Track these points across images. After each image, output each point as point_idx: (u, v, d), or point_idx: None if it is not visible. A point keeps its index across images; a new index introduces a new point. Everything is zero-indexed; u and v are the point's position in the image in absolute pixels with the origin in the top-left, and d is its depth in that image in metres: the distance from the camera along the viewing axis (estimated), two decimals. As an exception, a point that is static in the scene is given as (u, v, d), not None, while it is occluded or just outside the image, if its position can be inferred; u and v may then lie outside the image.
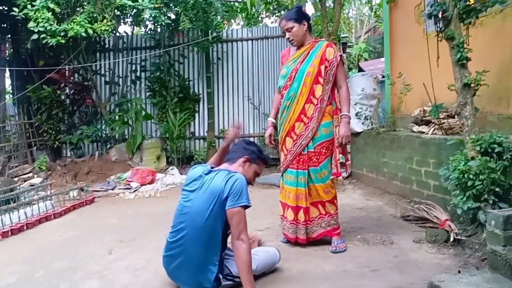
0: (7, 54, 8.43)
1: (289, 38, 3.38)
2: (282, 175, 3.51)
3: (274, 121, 3.61)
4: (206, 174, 2.57)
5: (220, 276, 2.50)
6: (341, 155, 3.40)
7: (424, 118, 4.83)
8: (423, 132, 4.69)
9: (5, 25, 8.04)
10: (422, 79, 4.47)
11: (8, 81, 8.98)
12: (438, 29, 3.62)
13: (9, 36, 8.24)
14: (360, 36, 18.07)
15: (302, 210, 3.35)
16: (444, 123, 4.43)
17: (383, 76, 7.12)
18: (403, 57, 5.95)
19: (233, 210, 2.39)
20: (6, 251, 3.71)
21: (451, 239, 3.26)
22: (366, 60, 13.25)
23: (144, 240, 3.80)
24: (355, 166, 6.23)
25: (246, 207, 2.44)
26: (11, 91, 9.09)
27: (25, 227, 4.36)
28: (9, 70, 8.42)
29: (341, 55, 3.40)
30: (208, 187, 2.48)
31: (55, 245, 3.80)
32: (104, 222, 4.55)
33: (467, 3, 3.46)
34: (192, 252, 2.45)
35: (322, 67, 3.30)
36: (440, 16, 3.56)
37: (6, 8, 6.03)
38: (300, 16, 3.39)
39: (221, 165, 2.71)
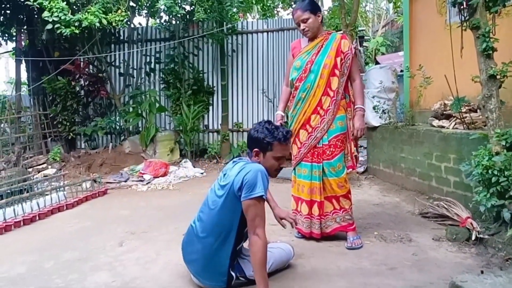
0: (23, 45, 8.46)
1: (304, 29, 3.28)
2: (294, 169, 3.42)
3: (283, 114, 3.52)
4: (232, 166, 2.48)
5: (233, 273, 2.42)
6: (355, 148, 3.40)
7: (444, 112, 4.66)
8: (443, 127, 4.53)
9: (21, 16, 8.07)
10: (442, 72, 4.31)
11: (24, 73, 9.03)
12: (463, 18, 3.46)
13: (25, 27, 8.25)
14: (377, 30, 17.77)
15: (317, 204, 3.29)
16: (466, 117, 4.27)
17: (401, 70, 6.93)
18: (423, 50, 5.76)
19: (247, 202, 2.27)
20: (18, 240, 3.69)
21: (473, 237, 3.13)
22: (383, 54, 13.01)
23: (155, 233, 3.75)
24: (371, 161, 6.09)
25: (261, 198, 2.28)
26: (26, 83, 9.12)
27: (37, 217, 4.36)
28: (25, 61, 8.45)
29: (355, 47, 3.34)
30: (226, 180, 2.40)
31: (67, 236, 3.78)
32: (116, 214, 4.51)
33: (494, -10, 3.29)
34: (206, 242, 2.39)
35: (338, 59, 3.25)
36: (465, 4, 3.40)
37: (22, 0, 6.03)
38: (315, 7, 3.33)
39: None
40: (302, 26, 3.28)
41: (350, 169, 3.40)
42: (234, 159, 2.58)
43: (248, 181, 2.27)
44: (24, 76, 9.44)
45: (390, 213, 4.17)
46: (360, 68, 5.90)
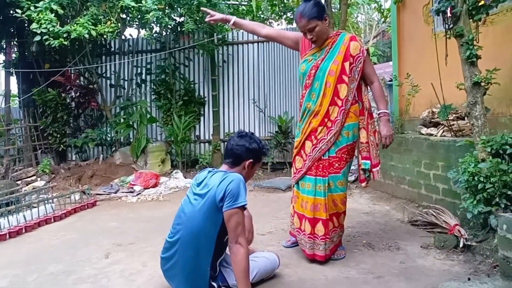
0: (13, 58, 8.43)
1: (312, 38, 2.98)
2: (297, 183, 3.12)
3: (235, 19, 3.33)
4: (210, 176, 2.46)
5: (214, 284, 2.38)
6: (363, 161, 3.09)
7: (432, 120, 4.69)
8: (431, 135, 4.55)
9: (11, 28, 8.06)
10: (430, 80, 4.34)
11: (15, 85, 8.99)
12: (447, 26, 3.49)
13: (16, 39, 8.24)
14: (368, 41, 17.93)
15: (322, 223, 2.97)
16: (453, 124, 4.29)
17: (391, 79, 6.98)
18: (411, 58, 5.81)
19: (230, 212, 2.25)
20: (2, 254, 3.62)
21: (461, 245, 3.12)
22: (375, 64, 13.09)
23: (142, 244, 3.70)
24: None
25: (243, 208, 2.30)
26: (17, 95, 9.08)
27: (23, 230, 4.29)
28: (15, 73, 8.42)
29: (367, 49, 3.06)
30: (204, 189, 2.37)
31: (52, 249, 3.72)
32: (104, 226, 4.46)
33: (477, -1, 3.32)
34: (185, 255, 2.34)
35: (347, 64, 2.95)
36: (448, 12, 3.43)
37: (12, 12, 6.02)
38: (321, 11, 2.94)
39: (221, 167, 2.58)
40: (309, 35, 2.97)
41: (362, 183, 3.18)
42: (209, 169, 2.56)
43: (231, 191, 2.26)
44: (14, 88, 9.40)
45: (380, 222, 4.15)
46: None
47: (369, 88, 3.15)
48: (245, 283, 2.25)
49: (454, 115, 4.37)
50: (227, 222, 2.27)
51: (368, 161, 3.09)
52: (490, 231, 3.09)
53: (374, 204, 4.96)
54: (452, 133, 4.30)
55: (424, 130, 4.73)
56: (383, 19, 11.85)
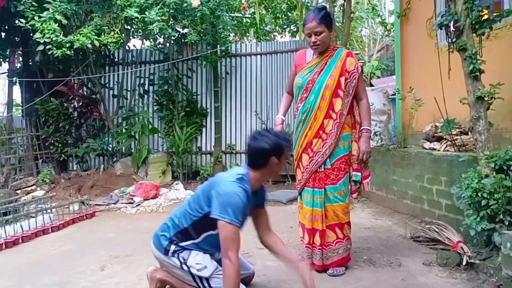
0: (17, 67, 8.47)
1: (316, 42, 3.00)
2: (300, 194, 3.21)
3: (283, 118, 3.31)
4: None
5: (171, 248, 2.46)
6: (354, 173, 3.14)
7: (435, 134, 4.64)
8: (434, 149, 4.49)
9: (16, 38, 8.11)
10: (433, 94, 4.30)
11: (18, 94, 9.02)
12: (450, 40, 3.47)
13: (20, 49, 8.28)
14: (372, 55, 17.96)
15: (318, 233, 3.05)
16: (456, 139, 4.24)
17: (394, 93, 6.96)
18: (414, 72, 5.79)
19: (218, 222, 2.28)
20: (-3, 264, 3.58)
21: (464, 262, 3.04)
22: (378, 77, 13.11)
23: (139, 256, 3.64)
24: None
25: (230, 224, 2.25)
26: (20, 104, 9.10)
27: (20, 240, 4.25)
28: (19, 82, 8.45)
29: (362, 66, 3.18)
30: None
31: (48, 259, 3.67)
32: (102, 237, 4.41)
33: (480, 13, 3.30)
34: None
35: (342, 79, 3.02)
36: (451, 26, 3.41)
37: (17, 22, 6.06)
38: (331, 22, 3.07)
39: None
40: (314, 38, 2.99)
41: (353, 194, 3.25)
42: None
43: (218, 199, 2.30)
44: (18, 97, 9.43)
45: (381, 237, 4.08)
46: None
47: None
48: None
49: (457, 130, 4.32)
50: (219, 232, 2.29)
51: (359, 173, 3.15)
52: (494, 249, 3.01)
53: (376, 219, 4.89)
54: (455, 148, 4.24)
55: (427, 145, 4.68)
56: (387, 33, 11.86)
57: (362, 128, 3.12)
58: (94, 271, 3.31)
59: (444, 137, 4.43)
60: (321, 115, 3.03)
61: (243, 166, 2.49)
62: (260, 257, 3.49)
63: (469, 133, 4.19)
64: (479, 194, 2.96)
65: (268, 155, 2.40)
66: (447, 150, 4.33)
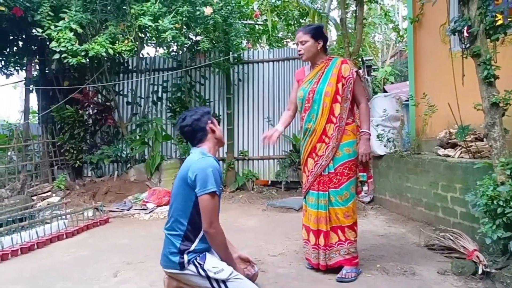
0: (33, 75, 8.63)
1: (300, 51, 3.30)
2: (304, 197, 3.37)
3: (280, 130, 3.39)
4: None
5: (185, 258, 2.42)
6: (361, 173, 3.31)
7: (450, 141, 4.59)
8: (449, 156, 4.44)
9: (34, 47, 8.27)
10: (448, 100, 4.25)
11: (35, 102, 9.19)
12: (463, 45, 3.43)
13: (37, 57, 8.44)
14: (385, 60, 17.84)
15: (323, 234, 3.19)
16: (471, 146, 4.18)
17: (407, 99, 6.89)
18: (427, 78, 5.73)
19: (202, 197, 2.34)
20: (13, 269, 3.63)
21: (480, 271, 2.99)
22: (392, 83, 13.03)
23: (152, 263, 3.65)
24: (378, 191, 5.97)
25: (214, 193, 2.35)
26: (37, 112, 9.26)
27: (35, 246, 4.31)
28: (35, 90, 8.62)
29: (357, 71, 3.28)
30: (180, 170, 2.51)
31: (62, 265, 3.71)
32: (115, 243, 4.44)
33: (494, 18, 3.26)
34: (168, 228, 2.51)
35: (340, 85, 3.20)
36: (465, 32, 3.38)
37: (34, 31, 6.20)
38: (318, 33, 3.30)
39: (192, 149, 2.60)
40: (299, 47, 3.29)
41: (359, 195, 3.42)
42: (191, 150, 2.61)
43: (200, 177, 2.34)
44: (35, 105, 9.59)
45: (395, 245, 4.03)
46: (367, 94, 5.87)
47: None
48: (227, 256, 2.45)
49: (472, 136, 4.26)
50: (201, 206, 2.36)
51: (365, 174, 3.32)
52: (510, 258, 2.96)
53: (389, 226, 4.83)
54: (470, 154, 4.19)
55: (441, 151, 4.63)
56: (400, 39, 11.79)
57: (361, 131, 3.26)
58: (107, 277, 3.34)
59: (459, 143, 4.38)
60: (323, 121, 3.21)
61: (192, 149, 2.57)
62: (272, 265, 3.48)
63: (484, 139, 4.14)
64: (495, 201, 2.91)
65: (204, 122, 2.54)
66: (462, 157, 4.28)
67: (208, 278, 2.37)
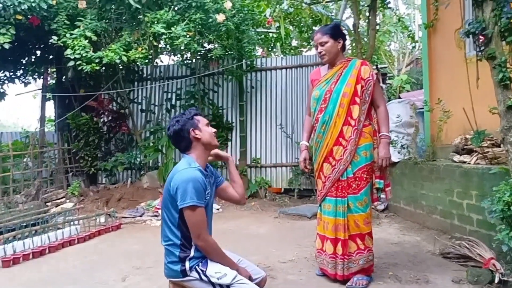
0: (49, 83, 8.77)
1: (320, 52, 3.17)
2: (320, 205, 3.21)
3: (307, 144, 3.40)
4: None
5: (187, 265, 2.34)
6: (377, 180, 3.19)
7: (465, 147, 4.48)
8: (464, 162, 4.33)
9: (51, 56, 8.42)
10: (463, 106, 4.16)
11: (51, 109, 9.35)
12: (478, 48, 3.36)
13: (54, 66, 8.59)
14: (401, 69, 17.68)
15: (341, 243, 3.05)
16: (488, 152, 4.08)
17: (423, 107, 6.79)
18: (442, 83, 5.64)
19: (184, 210, 2.25)
20: (23, 273, 3.65)
21: (496, 280, 2.89)
22: (408, 92, 12.90)
23: (160, 268, 3.55)
24: (392, 199, 5.84)
25: (193, 207, 2.24)
26: (53, 119, 9.41)
27: (47, 251, 4.33)
28: (52, 98, 8.76)
29: (377, 73, 3.20)
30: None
31: (72, 270, 3.72)
32: (125, 249, 4.44)
33: (509, 20, 3.18)
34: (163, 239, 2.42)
35: (358, 87, 3.10)
36: (479, 34, 3.30)
37: (50, 39, 6.33)
38: (337, 32, 3.21)
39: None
40: (319, 49, 3.17)
41: (374, 203, 3.32)
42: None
43: (180, 189, 2.25)
44: (50, 113, 9.77)
45: (409, 253, 3.93)
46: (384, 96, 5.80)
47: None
48: (225, 261, 2.33)
49: (488, 142, 4.15)
50: (186, 220, 2.28)
51: (382, 180, 3.20)
52: (528, 266, 2.85)
53: (403, 234, 4.72)
54: (486, 160, 4.08)
55: (457, 158, 4.52)
56: (414, 44, 11.67)
57: (380, 134, 3.16)
58: (116, 281, 3.33)
59: (475, 149, 4.27)
60: (340, 122, 3.08)
61: (183, 156, 2.46)
62: (281, 271, 3.43)
63: (501, 145, 4.03)
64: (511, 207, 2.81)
65: (186, 131, 2.37)
66: (478, 163, 4.17)
67: (212, 284, 2.32)
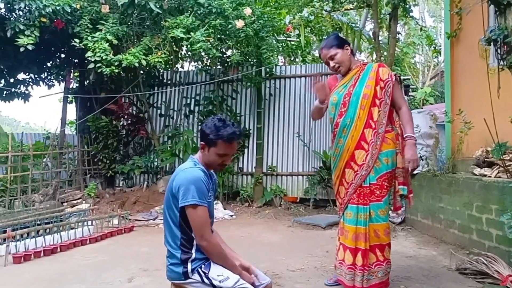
0: (71, 86, 8.95)
1: (334, 66, 3.10)
2: (343, 213, 3.08)
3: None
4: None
5: (189, 267, 2.28)
6: (401, 186, 3.04)
7: (486, 160, 4.33)
8: (485, 175, 4.17)
9: (75, 60, 8.61)
10: (486, 117, 4.02)
11: (73, 112, 9.54)
12: (500, 57, 3.24)
13: (77, 69, 8.77)
14: (425, 82, 17.42)
15: (361, 253, 2.91)
16: (509, 165, 3.92)
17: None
18: (465, 94, 5.48)
19: (186, 209, 2.20)
20: (32, 270, 3.68)
21: (514, 298, 2.74)
22: (431, 104, 12.67)
23: (168, 271, 3.60)
24: (409, 211, 5.69)
25: (195, 205, 2.18)
26: (75, 121, 9.57)
27: (58, 249, 4.36)
28: (74, 100, 8.93)
29: (395, 74, 3.10)
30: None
31: (80, 269, 3.73)
32: (135, 250, 4.44)
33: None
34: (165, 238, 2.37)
35: (378, 88, 3.01)
36: (502, 43, 3.19)
37: (72, 42, 6.47)
38: (341, 41, 3.19)
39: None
40: (332, 63, 3.10)
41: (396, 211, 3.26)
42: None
43: (182, 188, 2.21)
44: (72, 115, 9.94)
45: (423, 267, 3.79)
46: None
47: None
48: (227, 263, 2.27)
49: (510, 155, 4.00)
50: (189, 219, 2.23)
51: (406, 187, 3.06)
52: (549, 285, 2.70)
53: (419, 248, 4.57)
54: (508, 174, 3.92)
55: (477, 171, 4.36)
56: (436, 54, 11.46)
57: (405, 135, 3.02)
58: (122, 282, 3.32)
59: (496, 162, 4.12)
60: (361, 125, 2.99)
61: (190, 156, 2.45)
62: (289, 279, 3.36)
63: (524, 158, 3.88)
64: (532, 222, 2.68)
65: (202, 137, 2.34)
66: (499, 176, 4.01)
67: (214, 286, 2.27)
